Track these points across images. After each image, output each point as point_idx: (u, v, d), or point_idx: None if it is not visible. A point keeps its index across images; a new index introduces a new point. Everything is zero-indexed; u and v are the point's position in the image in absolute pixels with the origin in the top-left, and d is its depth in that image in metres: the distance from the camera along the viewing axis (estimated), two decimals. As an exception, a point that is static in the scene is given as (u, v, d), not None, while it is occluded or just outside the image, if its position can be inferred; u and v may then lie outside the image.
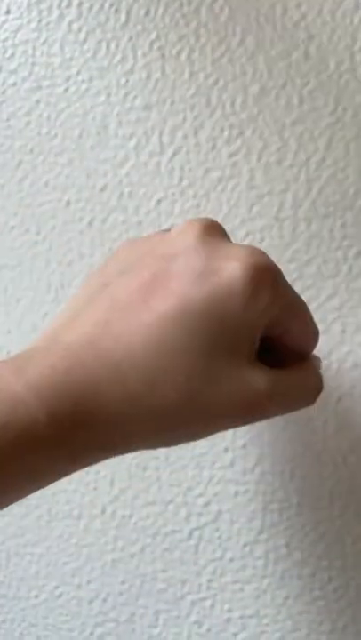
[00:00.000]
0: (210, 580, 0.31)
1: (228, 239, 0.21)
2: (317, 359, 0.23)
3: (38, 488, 0.18)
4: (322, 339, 0.28)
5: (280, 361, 0.21)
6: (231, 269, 0.19)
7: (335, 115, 0.28)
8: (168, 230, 0.22)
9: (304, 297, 0.29)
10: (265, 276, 0.19)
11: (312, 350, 0.23)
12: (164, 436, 0.19)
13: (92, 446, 0.18)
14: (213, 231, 0.20)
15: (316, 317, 0.28)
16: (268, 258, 0.20)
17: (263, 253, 0.20)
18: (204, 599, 0.31)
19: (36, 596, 0.34)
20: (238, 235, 0.29)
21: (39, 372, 0.18)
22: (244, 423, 0.20)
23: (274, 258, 0.29)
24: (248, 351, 0.20)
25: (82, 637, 0.33)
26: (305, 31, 0.28)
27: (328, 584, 0.29)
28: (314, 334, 0.22)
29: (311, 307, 0.28)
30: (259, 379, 0.20)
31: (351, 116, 0.28)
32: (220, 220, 0.29)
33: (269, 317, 0.20)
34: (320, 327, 0.28)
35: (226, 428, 0.20)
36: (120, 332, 0.19)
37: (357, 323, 0.28)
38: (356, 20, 0.28)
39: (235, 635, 0.31)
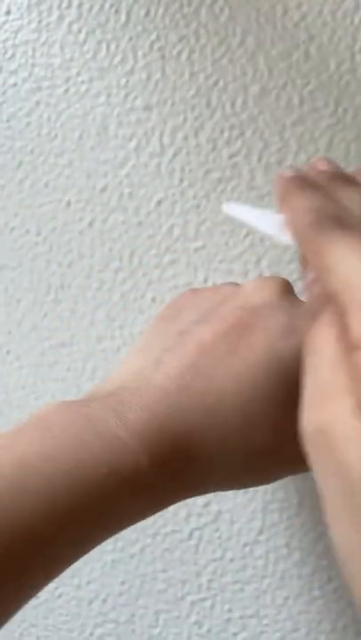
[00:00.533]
0: (210, 581, 0.31)
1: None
2: None
3: (121, 530, 0.19)
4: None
5: None
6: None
7: (336, 115, 0.28)
8: (236, 284, 0.23)
9: (303, 297, 0.29)
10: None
11: None
12: (245, 481, 0.20)
13: (181, 489, 0.19)
14: (290, 290, 0.22)
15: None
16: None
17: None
18: (204, 599, 0.31)
19: (36, 597, 0.34)
20: (239, 235, 0.29)
21: (139, 417, 0.18)
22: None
23: (273, 259, 0.29)
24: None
25: (82, 638, 0.33)
26: (305, 31, 0.28)
27: (328, 584, 0.29)
28: None
29: (311, 307, 0.28)
30: None
31: (352, 116, 0.28)
32: (219, 222, 0.29)
33: None
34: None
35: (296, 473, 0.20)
36: (211, 376, 0.19)
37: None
38: (356, 21, 0.28)
39: (235, 635, 0.31)
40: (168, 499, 0.19)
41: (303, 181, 0.18)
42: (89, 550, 0.18)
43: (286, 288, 0.21)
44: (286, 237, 0.18)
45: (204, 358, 0.19)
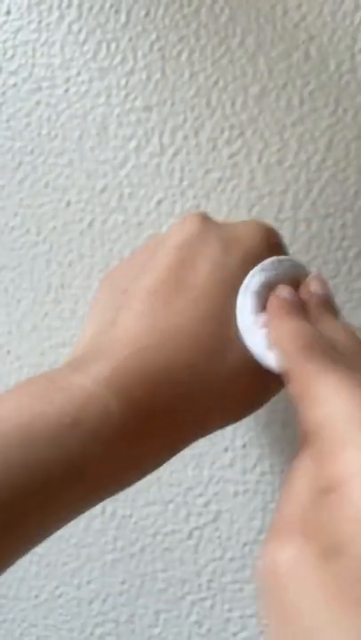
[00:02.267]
0: (210, 580, 0.31)
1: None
2: None
3: (107, 490, 0.18)
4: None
5: None
6: (251, 235, 0.21)
7: (336, 115, 0.28)
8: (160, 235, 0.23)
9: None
10: (277, 234, 0.21)
11: None
12: (224, 408, 0.19)
13: (159, 435, 0.18)
14: (208, 218, 0.22)
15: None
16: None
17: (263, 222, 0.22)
18: (204, 599, 0.31)
19: (36, 597, 0.34)
20: (238, 235, 0.29)
21: (103, 366, 0.18)
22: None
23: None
24: None
25: (82, 637, 0.34)
26: (305, 32, 0.28)
27: (328, 584, 0.30)
28: None
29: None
30: None
31: (352, 116, 0.28)
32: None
33: None
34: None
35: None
36: (167, 312, 0.19)
37: (358, 323, 0.28)
38: (356, 21, 0.28)
39: (235, 634, 0.31)
40: (148, 451, 0.18)
41: (297, 306, 0.19)
42: (79, 509, 0.17)
43: (204, 217, 0.22)
44: (270, 358, 0.18)
45: (155, 300, 0.20)
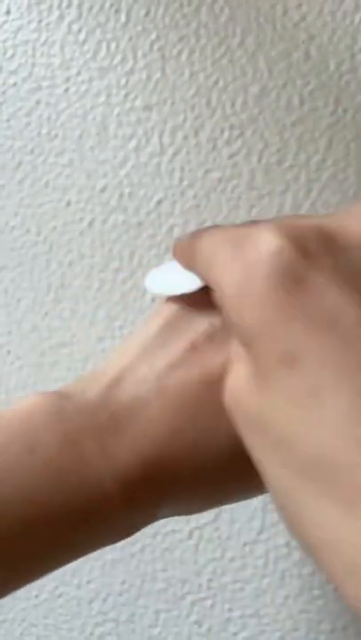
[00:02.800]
0: (210, 580, 0.31)
1: None
2: None
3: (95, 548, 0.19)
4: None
5: None
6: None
7: (336, 115, 0.28)
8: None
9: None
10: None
11: None
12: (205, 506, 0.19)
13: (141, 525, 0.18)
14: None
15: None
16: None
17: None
18: (204, 599, 0.31)
19: (37, 596, 0.34)
20: (238, 235, 0.30)
21: (128, 462, 0.17)
22: None
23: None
24: None
25: (82, 637, 0.34)
26: (305, 31, 0.28)
27: (328, 583, 0.30)
28: None
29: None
30: None
31: (352, 116, 0.28)
32: (220, 222, 0.30)
33: None
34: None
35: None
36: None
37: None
38: (356, 21, 0.28)
39: (235, 634, 0.31)
40: (145, 519, 0.19)
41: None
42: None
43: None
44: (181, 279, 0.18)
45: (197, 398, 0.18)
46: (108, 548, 0.32)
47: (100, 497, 0.17)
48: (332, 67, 0.28)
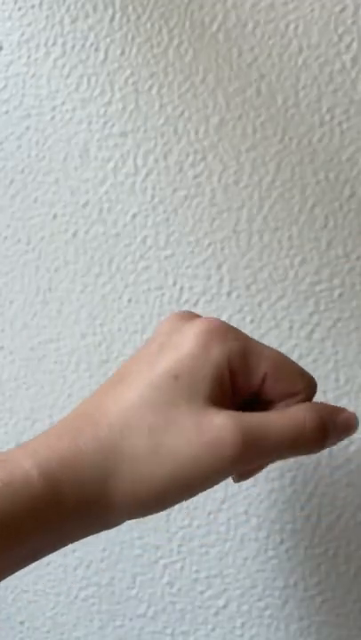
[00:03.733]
0: (180, 545, 0.36)
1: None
2: (320, 407, 0.24)
3: (35, 556, 0.23)
4: (272, 333, 0.34)
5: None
6: (186, 336, 0.24)
7: (283, 143, 0.34)
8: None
9: (257, 298, 0.34)
10: (214, 331, 0.24)
11: (308, 395, 0.25)
12: (140, 489, 0.22)
13: (81, 505, 0.22)
14: (185, 315, 0.26)
15: (268, 316, 0.34)
16: (221, 321, 0.24)
17: (216, 319, 0.24)
18: (174, 562, 0.36)
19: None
20: (202, 244, 0.35)
21: (43, 445, 0.23)
22: (220, 471, 0.22)
23: (232, 265, 0.34)
24: (206, 394, 0.23)
25: (68, 601, 0.39)
26: (257, 71, 0.34)
27: (281, 545, 0.35)
28: (299, 375, 0.24)
29: (263, 307, 0.34)
30: (220, 418, 0.22)
31: (296, 144, 0.34)
32: (186, 233, 0.35)
33: (226, 362, 0.23)
34: (271, 324, 0.34)
35: (202, 480, 0.23)
36: (101, 402, 0.24)
37: (302, 320, 0.34)
38: (300, 62, 0.33)
39: (202, 593, 0.36)
40: (72, 518, 0.22)
41: None
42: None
43: (181, 314, 0.26)
44: None
45: (110, 388, 0.24)
46: (90, 520, 0.37)
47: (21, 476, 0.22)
48: (279, 101, 0.33)
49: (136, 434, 0.22)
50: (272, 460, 0.25)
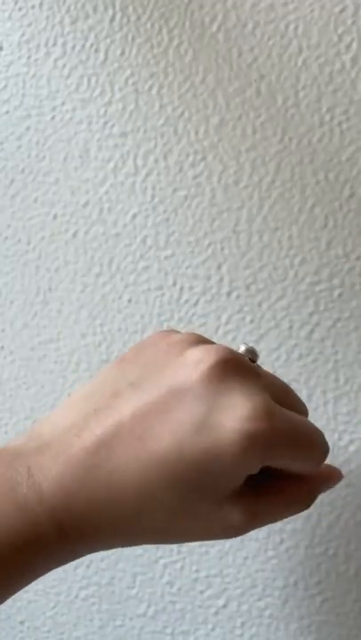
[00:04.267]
0: (180, 545, 0.37)
1: (247, 368, 0.24)
2: (323, 478, 0.27)
3: (30, 581, 0.24)
4: (272, 333, 0.34)
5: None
6: (229, 432, 0.22)
7: (283, 143, 0.34)
8: (192, 341, 0.25)
9: (257, 298, 0.34)
10: (258, 443, 0.22)
11: (317, 468, 0.26)
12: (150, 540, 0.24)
13: (82, 550, 0.23)
14: (226, 369, 0.23)
15: (268, 316, 0.34)
16: (272, 416, 0.22)
17: (268, 410, 0.22)
18: (175, 562, 0.37)
19: (28, 564, 0.39)
20: (202, 244, 0.35)
21: (53, 493, 0.22)
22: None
23: (232, 265, 0.35)
24: (227, 495, 0.23)
25: (68, 600, 0.39)
26: (257, 71, 0.34)
27: (281, 545, 0.35)
28: (319, 455, 0.25)
29: (263, 307, 0.34)
30: (235, 514, 0.23)
31: (296, 144, 0.34)
32: (186, 233, 0.35)
33: (257, 470, 0.23)
34: (271, 324, 0.34)
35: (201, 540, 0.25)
36: (120, 459, 0.23)
37: (302, 320, 0.34)
38: (299, 62, 0.34)
39: (201, 592, 0.37)
40: (72, 558, 0.24)
41: None
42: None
43: (222, 366, 0.23)
44: None
45: (118, 438, 0.23)
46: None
47: (32, 521, 0.22)
48: (279, 102, 0.34)
49: (156, 516, 0.23)
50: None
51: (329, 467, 0.27)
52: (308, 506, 0.26)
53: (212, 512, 0.23)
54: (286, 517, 0.26)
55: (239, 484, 0.23)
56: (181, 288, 0.36)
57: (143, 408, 0.23)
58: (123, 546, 0.25)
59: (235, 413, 0.22)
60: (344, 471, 0.34)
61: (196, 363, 0.23)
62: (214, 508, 0.23)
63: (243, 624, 0.36)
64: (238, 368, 0.23)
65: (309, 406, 0.31)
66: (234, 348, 0.25)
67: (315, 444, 0.25)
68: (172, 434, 0.22)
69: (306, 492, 0.26)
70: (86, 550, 0.23)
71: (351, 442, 0.34)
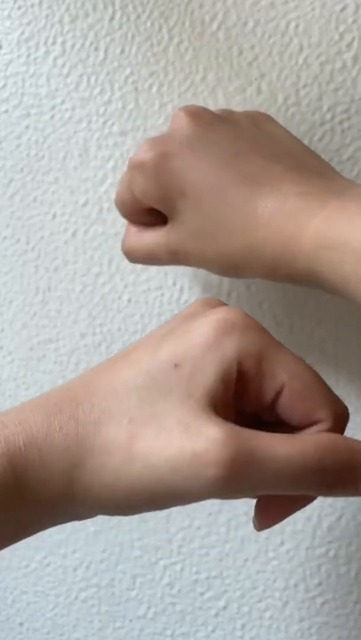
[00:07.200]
0: (180, 546, 0.37)
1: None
2: (346, 442, 0.19)
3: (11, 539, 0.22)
4: (272, 333, 0.34)
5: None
6: (199, 324, 0.21)
7: (283, 142, 0.34)
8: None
9: (257, 298, 0.35)
10: (231, 322, 0.20)
11: (334, 426, 0.20)
12: (106, 485, 0.20)
13: (45, 491, 0.20)
14: (210, 302, 0.23)
15: (268, 315, 0.34)
16: (243, 313, 0.21)
17: (239, 310, 0.21)
18: (174, 563, 0.37)
19: (27, 566, 0.40)
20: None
21: (9, 413, 0.21)
22: (198, 493, 0.20)
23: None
24: (205, 392, 0.19)
25: (67, 602, 0.39)
26: (257, 70, 0.34)
27: (281, 546, 0.36)
28: (324, 398, 0.20)
29: (263, 307, 0.35)
30: (212, 427, 0.19)
31: (297, 143, 0.34)
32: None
33: (236, 360, 0.20)
34: (271, 323, 0.35)
35: (173, 495, 0.20)
36: (92, 379, 0.21)
37: (302, 320, 0.34)
38: (300, 61, 0.34)
39: (202, 594, 0.37)
40: (41, 504, 0.21)
41: None
42: None
43: (205, 301, 0.23)
44: None
45: (109, 362, 0.22)
46: (89, 521, 0.38)
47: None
48: (280, 100, 0.34)
49: (114, 422, 0.19)
50: (271, 492, 0.20)
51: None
52: (331, 485, 0.19)
53: (182, 419, 0.19)
54: (298, 489, 0.20)
55: (217, 386, 0.20)
56: (181, 288, 0.36)
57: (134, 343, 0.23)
58: (77, 495, 0.20)
59: (209, 314, 0.21)
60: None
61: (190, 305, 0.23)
62: (185, 414, 0.19)
63: (243, 626, 0.37)
64: (223, 303, 0.23)
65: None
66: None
67: (305, 362, 0.21)
68: (148, 342, 0.21)
69: (332, 456, 0.19)
70: (37, 490, 0.20)
71: (352, 443, 0.34)
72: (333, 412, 0.20)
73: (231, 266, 0.26)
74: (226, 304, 0.23)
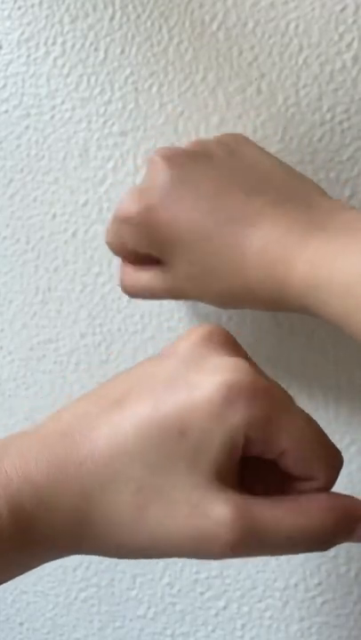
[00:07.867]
0: (180, 546, 0.37)
1: (233, 345, 0.23)
2: (342, 498, 0.21)
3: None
4: (273, 333, 0.35)
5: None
6: (206, 385, 0.20)
7: (283, 142, 0.35)
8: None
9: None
10: (240, 388, 0.20)
11: (328, 482, 0.21)
12: (112, 545, 0.20)
13: (47, 544, 0.21)
14: (213, 339, 0.22)
15: (268, 315, 0.34)
16: (253, 373, 0.20)
17: (248, 368, 0.20)
18: (174, 563, 0.37)
19: (27, 566, 0.40)
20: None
21: (13, 462, 0.20)
22: (203, 557, 0.20)
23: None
24: (212, 466, 0.19)
25: (67, 602, 0.39)
26: (257, 70, 0.34)
27: (281, 546, 0.36)
28: (321, 461, 0.21)
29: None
30: (220, 506, 0.19)
31: (296, 143, 0.34)
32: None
33: (243, 431, 0.20)
34: (271, 323, 0.35)
35: (179, 556, 0.20)
36: (92, 426, 0.21)
37: (302, 320, 0.34)
38: (300, 61, 0.34)
39: (202, 594, 0.37)
40: (38, 555, 0.22)
41: None
42: None
43: (208, 337, 0.22)
44: None
45: (96, 405, 0.21)
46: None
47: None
48: (280, 100, 0.34)
49: (122, 490, 0.20)
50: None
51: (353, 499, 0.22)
52: (332, 543, 0.21)
53: (191, 497, 0.19)
54: (302, 550, 0.21)
55: (224, 458, 0.20)
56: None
57: (123, 375, 0.22)
58: (79, 550, 0.21)
59: (215, 370, 0.20)
60: (345, 472, 0.35)
61: (185, 336, 0.22)
62: (190, 488, 0.19)
63: (243, 626, 0.37)
64: (227, 340, 0.22)
65: (310, 407, 0.31)
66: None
67: (310, 420, 0.21)
68: (151, 395, 0.20)
69: (333, 523, 0.20)
70: (42, 544, 0.21)
71: (352, 442, 0.34)
72: (331, 471, 0.21)
73: (229, 303, 0.28)
74: (230, 339, 0.23)
